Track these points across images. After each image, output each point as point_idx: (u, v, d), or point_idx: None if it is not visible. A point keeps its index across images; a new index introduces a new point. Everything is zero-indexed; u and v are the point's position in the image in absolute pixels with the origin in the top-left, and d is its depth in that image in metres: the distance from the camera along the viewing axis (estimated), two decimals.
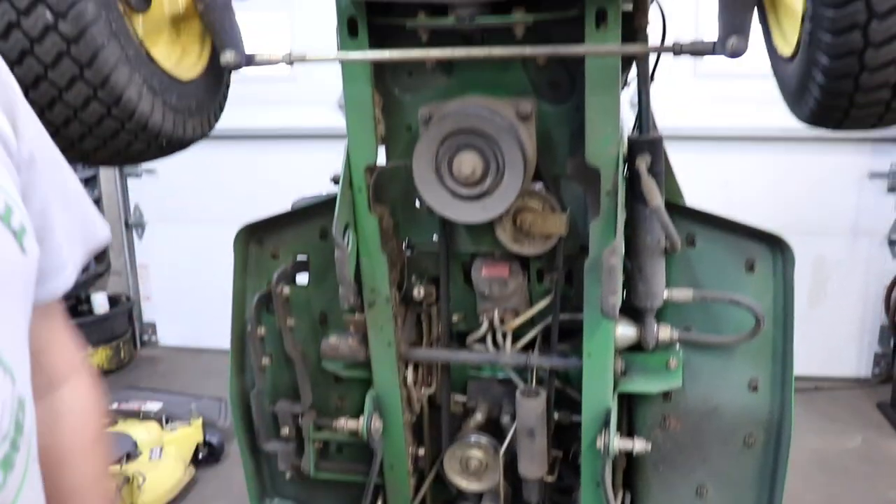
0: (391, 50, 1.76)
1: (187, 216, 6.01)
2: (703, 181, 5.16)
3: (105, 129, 1.46)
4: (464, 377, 2.29)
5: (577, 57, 1.75)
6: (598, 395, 1.98)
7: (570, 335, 2.09)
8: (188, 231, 6.01)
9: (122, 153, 1.54)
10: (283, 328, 2.11)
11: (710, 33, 1.51)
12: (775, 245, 1.99)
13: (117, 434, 4.21)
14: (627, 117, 2.04)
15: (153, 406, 4.56)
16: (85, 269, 5.89)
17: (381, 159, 1.98)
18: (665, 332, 1.98)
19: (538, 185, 1.94)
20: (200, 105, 1.69)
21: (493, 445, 2.19)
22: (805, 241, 5.19)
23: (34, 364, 0.98)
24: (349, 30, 1.79)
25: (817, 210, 5.27)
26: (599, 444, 1.95)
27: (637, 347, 2.02)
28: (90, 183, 5.96)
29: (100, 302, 5.84)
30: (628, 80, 2.11)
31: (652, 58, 2.03)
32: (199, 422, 4.51)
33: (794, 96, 1.49)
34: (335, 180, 1.97)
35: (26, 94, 1.01)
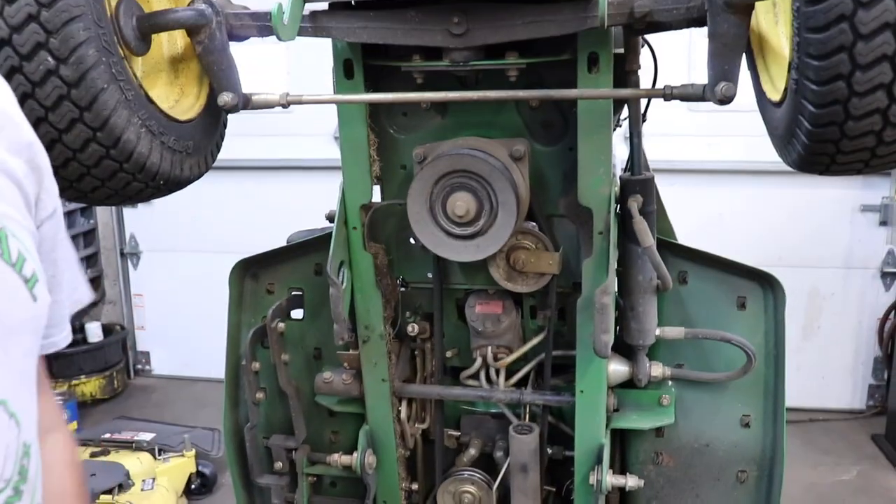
0: (386, 93, 1.79)
1: (182, 246, 6.03)
2: (697, 214, 5.22)
3: (104, 170, 1.48)
4: (457, 412, 2.29)
5: (570, 100, 1.78)
6: (590, 431, 1.99)
7: (563, 371, 2.10)
8: (183, 261, 6.02)
9: (120, 192, 1.56)
10: (278, 363, 2.12)
11: (702, 75, 1.54)
12: (766, 283, 2.02)
13: (109, 464, 4.19)
14: (620, 155, 2.07)
15: (146, 436, 4.53)
16: None
17: (376, 197, 2.00)
18: (657, 369, 1.99)
19: (531, 224, 1.96)
20: (198, 145, 1.71)
21: (487, 480, 2.19)
22: (798, 273, 5.26)
23: None
24: (345, 71, 1.82)
25: (810, 243, 5.31)
26: (592, 480, 1.95)
27: (629, 384, 2.04)
28: (86, 212, 5.97)
29: (94, 331, 5.82)
30: (620, 120, 2.14)
31: (643, 100, 2.07)
32: (192, 452, 4.49)
33: (782, 141, 1.51)
34: (330, 218, 1.99)
35: None
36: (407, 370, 2.19)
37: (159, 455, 4.41)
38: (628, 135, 1.94)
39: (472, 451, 2.24)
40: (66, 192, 1.52)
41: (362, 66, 1.81)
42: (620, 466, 2.16)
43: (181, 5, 1.71)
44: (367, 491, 2.16)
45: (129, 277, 6.28)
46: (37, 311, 0.96)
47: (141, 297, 6.30)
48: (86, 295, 1.19)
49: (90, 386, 5.73)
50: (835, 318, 5.42)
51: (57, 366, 5.51)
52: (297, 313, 2.24)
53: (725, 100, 1.51)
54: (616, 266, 1.94)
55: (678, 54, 4.90)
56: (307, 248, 2.19)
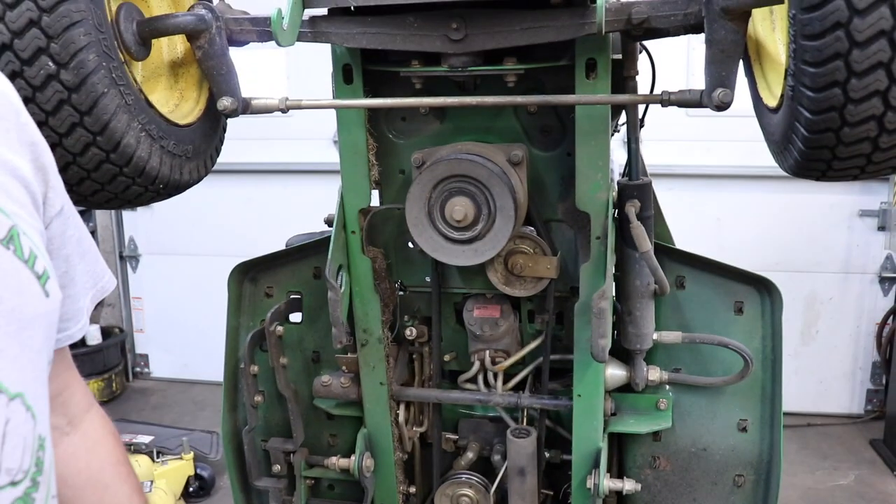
0: (385, 98, 1.80)
1: (181, 249, 6.03)
2: (696, 219, 5.23)
3: (104, 174, 1.48)
4: (455, 416, 2.30)
5: (568, 105, 1.79)
6: (588, 435, 2.00)
7: (560, 375, 2.11)
8: (182, 264, 6.03)
9: (120, 196, 1.56)
10: (276, 366, 2.13)
11: (701, 81, 1.55)
12: (763, 288, 2.02)
13: None
14: (618, 160, 2.08)
15: (144, 439, 4.53)
16: None
17: (375, 201, 2.01)
18: (654, 374, 2.00)
19: (529, 229, 1.96)
20: (197, 149, 1.72)
21: (484, 484, 2.20)
22: (796, 278, 5.27)
23: (57, 404, 1.03)
24: (344, 77, 1.83)
25: (809, 248, 5.31)
26: (589, 483, 1.96)
27: (627, 388, 2.05)
28: (85, 215, 5.97)
29: (93, 334, 5.82)
30: (618, 125, 2.15)
31: (641, 105, 2.08)
32: (190, 455, 4.48)
33: (779, 147, 1.52)
34: (328, 222, 2.00)
35: None
36: (405, 374, 2.20)
37: (157, 458, 4.41)
38: (626, 140, 1.94)
39: (470, 455, 2.25)
40: None
41: (361, 71, 1.82)
42: (618, 470, 2.17)
43: (181, 10, 1.71)
44: (364, 494, 2.17)
45: (128, 280, 6.28)
46: (49, 307, 0.97)
47: (140, 300, 6.30)
48: (110, 283, 1.21)
49: (89, 388, 5.72)
50: (833, 323, 5.43)
51: None
52: (295, 317, 2.24)
53: (722, 106, 1.52)
54: (614, 271, 1.95)
55: (677, 60, 4.93)
56: (306, 252, 2.19)
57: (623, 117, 2.05)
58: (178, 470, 4.41)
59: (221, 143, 1.89)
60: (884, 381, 5.36)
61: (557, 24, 1.59)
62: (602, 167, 1.79)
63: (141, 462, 4.29)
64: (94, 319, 6.10)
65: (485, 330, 2.06)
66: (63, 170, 1.44)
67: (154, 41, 1.66)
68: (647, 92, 1.94)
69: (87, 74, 1.37)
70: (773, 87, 1.57)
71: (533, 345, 2.10)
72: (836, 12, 1.20)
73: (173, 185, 1.64)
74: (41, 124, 1.38)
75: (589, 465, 2.00)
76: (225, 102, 1.67)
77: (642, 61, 2.03)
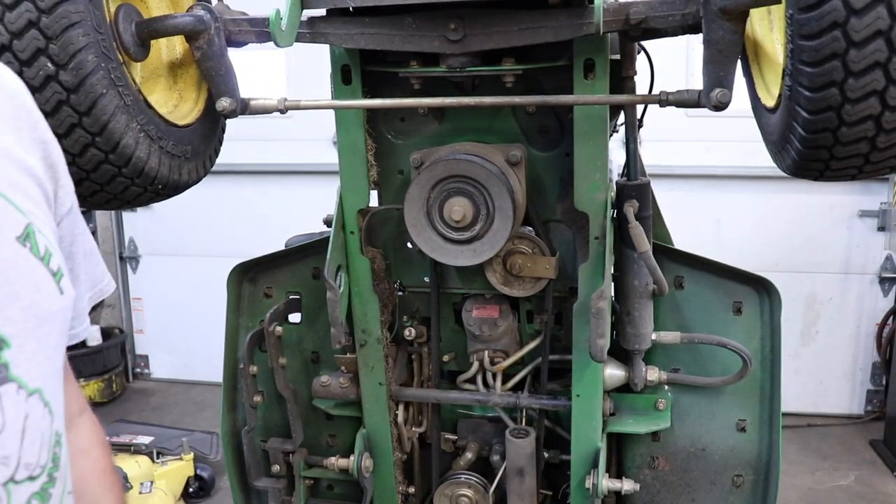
0: (384, 98, 1.80)
1: (181, 250, 6.03)
2: (695, 219, 5.23)
3: (103, 175, 1.49)
4: (454, 416, 2.30)
5: (566, 105, 1.79)
6: (586, 435, 2.00)
7: (559, 375, 2.11)
8: (182, 265, 6.03)
9: (119, 197, 1.57)
10: (275, 367, 2.13)
11: (700, 81, 1.55)
12: (762, 288, 2.02)
13: None
14: (617, 160, 2.08)
15: (144, 440, 4.53)
16: None
17: (374, 202, 2.01)
18: (653, 374, 2.00)
19: (528, 229, 1.97)
20: (196, 150, 1.72)
21: (483, 484, 2.20)
22: (796, 278, 5.27)
23: None
24: (343, 77, 1.83)
25: (808, 248, 5.32)
26: (588, 483, 1.96)
27: (626, 388, 2.05)
28: (85, 216, 5.95)
29: (93, 334, 5.82)
30: (617, 125, 2.15)
31: (640, 106, 2.08)
32: (190, 456, 4.49)
33: (777, 147, 1.52)
34: (327, 222, 2.00)
35: None
36: (404, 374, 2.20)
37: (157, 458, 4.41)
38: (624, 140, 1.94)
39: (469, 455, 2.25)
40: None
41: (360, 71, 1.82)
42: (617, 470, 2.17)
43: (180, 11, 1.72)
44: (363, 494, 2.17)
45: (128, 281, 6.29)
46: (63, 304, 0.98)
47: (140, 300, 6.31)
48: (109, 286, 1.22)
49: (89, 389, 5.73)
50: (833, 324, 5.43)
51: None
52: (294, 317, 2.24)
53: (720, 106, 1.52)
54: (612, 271, 1.95)
55: (676, 61, 4.94)
56: (305, 253, 2.20)
57: (622, 118, 2.05)
58: (178, 470, 4.41)
59: (220, 143, 1.89)
60: (884, 382, 5.36)
61: (555, 24, 1.59)
62: (600, 167, 1.79)
63: (141, 463, 4.30)
64: (94, 320, 6.10)
65: (483, 330, 2.06)
66: None
67: (153, 42, 1.66)
68: (646, 92, 1.94)
69: (86, 75, 1.37)
70: (770, 87, 1.57)
71: (532, 345, 2.10)
72: (834, 12, 1.20)
73: (172, 185, 1.64)
74: None
75: (588, 465, 2.00)
76: (224, 103, 1.67)
77: (641, 62, 2.04)
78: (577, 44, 1.69)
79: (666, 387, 2.08)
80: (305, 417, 2.23)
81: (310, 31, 1.69)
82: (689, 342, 1.99)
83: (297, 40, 1.67)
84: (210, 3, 1.71)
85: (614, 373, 2.00)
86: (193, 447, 4.54)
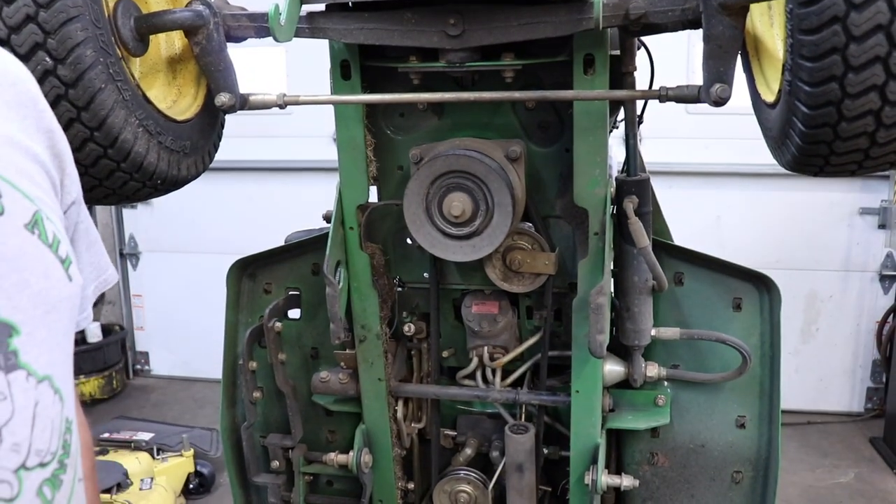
0: (383, 93, 1.80)
1: (181, 247, 6.04)
2: (696, 216, 5.24)
3: (101, 169, 1.48)
4: (454, 412, 2.30)
5: (566, 101, 1.79)
6: (586, 431, 2.00)
7: (559, 372, 2.11)
8: (182, 261, 6.04)
9: (118, 192, 1.56)
10: (275, 362, 2.13)
11: (701, 77, 1.55)
12: (762, 284, 2.02)
13: (108, 463, 4.19)
14: (617, 157, 2.08)
15: (144, 436, 4.55)
16: None
17: (373, 197, 2.01)
18: (653, 370, 2.00)
19: (528, 225, 1.96)
20: (195, 145, 1.72)
21: (483, 480, 2.20)
22: (797, 276, 5.27)
23: None
24: (342, 72, 1.82)
25: (809, 246, 5.32)
26: (587, 479, 1.96)
27: (625, 384, 2.04)
28: None
29: (93, 331, 5.83)
30: (617, 121, 2.15)
31: (640, 101, 2.08)
32: (191, 452, 4.50)
33: (776, 142, 1.52)
34: (327, 218, 2.00)
35: None
36: (404, 370, 2.20)
37: (158, 455, 4.42)
38: (624, 136, 1.94)
39: (469, 451, 2.25)
40: None
41: (359, 67, 1.81)
42: (616, 467, 2.17)
43: (179, 6, 1.71)
44: (363, 490, 2.17)
45: (128, 278, 6.30)
46: (72, 292, 0.99)
47: (140, 297, 6.31)
48: (112, 276, 1.23)
49: (89, 386, 5.74)
50: (833, 321, 5.43)
51: None
52: (294, 313, 2.24)
53: (720, 101, 1.52)
54: (612, 267, 1.95)
55: (677, 57, 4.93)
56: (304, 248, 2.19)
57: (622, 114, 2.05)
58: (179, 467, 4.42)
59: (220, 138, 1.89)
60: (884, 379, 5.37)
61: (555, 19, 1.58)
62: (600, 163, 1.79)
63: (141, 459, 4.31)
64: (94, 317, 6.11)
65: (483, 326, 2.06)
66: None
67: (152, 37, 1.66)
68: (646, 88, 1.94)
69: (85, 70, 1.37)
70: (770, 82, 1.57)
71: (531, 341, 2.10)
72: (833, 6, 1.19)
73: (171, 180, 1.64)
74: None
75: (587, 461, 2.00)
76: (223, 98, 1.67)
77: (642, 58, 2.04)
78: (576, 39, 1.69)
79: (665, 383, 2.08)
80: (305, 413, 2.23)
81: (309, 26, 1.68)
82: (688, 338, 1.99)
83: (296, 35, 1.67)
84: None
85: (614, 369, 2.00)
86: (194, 444, 4.55)
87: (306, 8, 1.68)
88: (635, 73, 1.88)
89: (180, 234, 6.02)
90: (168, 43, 1.75)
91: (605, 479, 1.97)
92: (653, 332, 1.96)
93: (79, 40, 1.35)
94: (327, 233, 1.95)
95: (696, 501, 2.12)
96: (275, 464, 2.23)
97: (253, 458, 2.23)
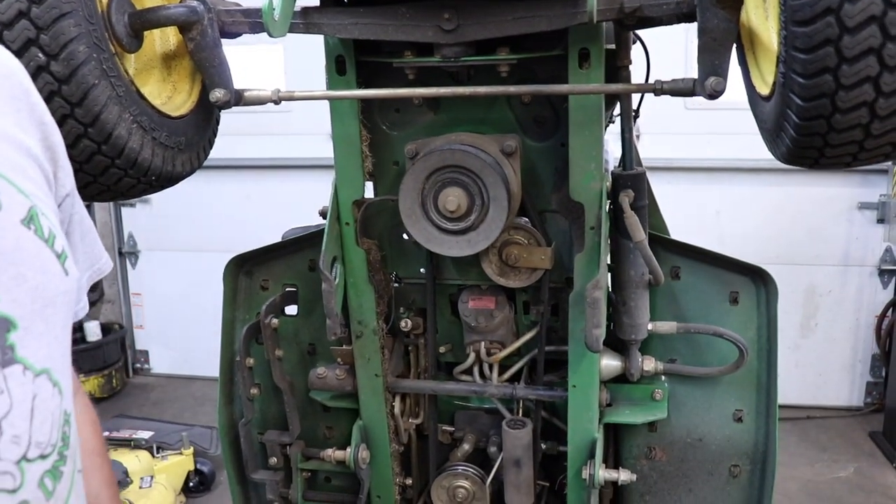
0: (378, 89, 1.79)
1: (181, 245, 6.04)
2: (695, 212, 5.24)
3: (96, 166, 1.48)
4: (452, 408, 2.30)
5: (561, 95, 1.79)
6: (583, 425, 2.00)
7: (556, 366, 2.11)
8: (181, 260, 6.04)
9: (113, 188, 1.56)
10: (272, 359, 2.13)
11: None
12: (759, 278, 2.02)
13: None
14: (614, 151, 2.08)
15: (144, 434, 4.55)
16: None
17: (369, 193, 2.01)
18: (650, 364, 2.00)
19: (524, 220, 1.96)
20: (190, 141, 1.71)
21: (481, 475, 2.20)
22: (796, 271, 5.28)
23: None
24: (337, 68, 1.82)
25: (808, 240, 5.32)
26: (585, 474, 1.96)
27: (622, 379, 2.04)
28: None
29: (92, 330, 5.84)
30: (613, 116, 2.14)
31: (636, 95, 2.08)
32: (191, 451, 4.51)
33: (771, 135, 1.52)
34: (323, 214, 2.00)
35: None
36: (401, 365, 2.20)
37: (158, 453, 4.43)
38: (620, 130, 1.94)
39: (466, 447, 2.25)
40: None
41: (354, 62, 1.81)
42: (614, 461, 2.17)
43: (173, 2, 1.71)
44: (361, 486, 2.17)
45: (127, 276, 6.30)
46: (68, 286, 1.00)
47: (139, 296, 6.32)
48: (107, 265, 1.24)
49: (89, 385, 5.74)
50: (832, 316, 5.44)
51: None
52: (291, 309, 2.24)
53: (715, 94, 1.52)
54: (608, 261, 1.95)
55: (676, 51, 4.92)
56: (301, 245, 2.19)
57: (619, 108, 2.04)
58: (179, 465, 4.43)
59: (215, 135, 1.88)
60: (883, 374, 5.38)
61: (550, 13, 1.58)
62: (595, 157, 1.78)
63: (141, 457, 4.32)
64: (93, 316, 6.12)
65: (480, 321, 2.06)
66: None
67: (146, 33, 1.66)
68: (643, 82, 1.93)
69: (78, 66, 1.36)
70: (765, 75, 1.57)
71: (528, 336, 2.10)
72: None
73: (166, 176, 1.64)
74: None
75: (584, 455, 2.00)
76: (217, 94, 1.67)
77: (640, 53, 2.03)
78: (571, 33, 1.68)
79: (663, 377, 2.07)
80: (303, 410, 2.23)
81: (303, 22, 1.68)
82: (685, 332, 1.99)
83: (291, 31, 1.66)
84: None
85: (610, 363, 2.00)
86: (193, 442, 4.55)
87: (301, 3, 1.67)
88: (632, 68, 1.88)
89: (180, 232, 6.02)
90: (163, 39, 1.74)
91: (603, 473, 1.97)
92: (649, 327, 1.96)
93: (72, 36, 1.35)
94: (324, 229, 1.95)
95: (694, 495, 2.12)
96: (273, 460, 2.23)
97: (251, 455, 2.23)
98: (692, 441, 2.09)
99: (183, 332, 6.12)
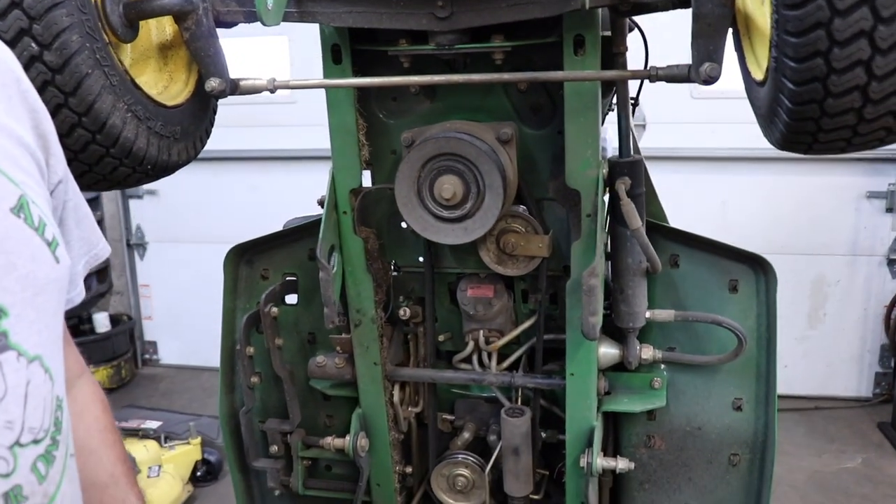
0: (373, 77, 1.80)
1: (188, 236, 6.06)
2: (701, 201, 5.21)
3: (91, 155, 1.49)
4: (452, 396, 2.31)
5: (558, 82, 1.78)
6: (581, 413, 2.00)
7: (558, 356, 2.11)
8: (189, 251, 6.06)
9: (109, 178, 1.57)
10: (272, 348, 2.14)
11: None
12: (758, 266, 2.01)
13: None
14: (613, 139, 2.07)
15: (152, 424, 4.58)
16: (87, 289, 5.94)
17: (367, 182, 2.01)
18: (648, 352, 2.00)
19: (521, 208, 1.96)
20: (186, 130, 1.72)
21: (480, 464, 2.21)
22: (804, 261, 5.25)
23: None
24: (333, 57, 1.83)
25: (816, 230, 5.28)
26: (583, 462, 1.96)
27: (621, 367, 2.04)
28: (92, 203, 6.01)
29: (101, 321, 5.88)
30: (612, 104, 2.14)
31: (635, 83, 2.07)
32: (198, 440, 4.53)
33: (765, 120, 1.51)
34: (321, 203, 2.00)
35: None
36: (400, 354, 2.21)
37: (165, 443, 4.46)
38: (616, 117, 1.93)
39: (466, 435, 2.26)
40: None
41: (350, 51, 1.81)
42: (614, 450, 2.17)
43: None
44: (360, 474, 2.18)
45: (135, 268, 6.33)
46: (60, 273, 1.01)
47: (148, 287, 6.35)
48: (104, 250, 1.25)
49: (98, 375, 5.78)
50: (841, 306, 5.40)
51: None
52: (291, 298, 2.25)
53: (710, 80, 1.51)
54: (606, 249, 1.95)
55: (679, 38, 4.90)
56: (301, 234, 2.20)
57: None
58: (186, 455, 4.46)
59: (212, 124, 1.89)
60: (892, 364, 5.34)
61: (543, 0, 1.58)
62: (592, 144, 1.78)
63: (149, 447, 4.35)
64: (102, 307, 6.16)
65: (478, 310, 2.06)
66: None
67: (143, 24, 1.66)
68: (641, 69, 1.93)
69: (71, 55, 1.37)
70: (760, 60, 1.56)
71: (526, 324, 2.10)
72: None
73: (162, 165, 1.65)
74: None
75: (583, 443, 2.00)
76: (213, 83, 1.68)
77: (639, 41, 2.03)
78: (566, 20, 1.68)
79: (662, 366, 2.07)
80: (303, 398, 2.24)
81: (297, 10, 1.68)
82: (682, 320, 1.98)
83: (285, 19, 1.66)
84: None
85: (608, 351, 2.00)
86: (201, 432, 4.58)
87: None
88: (631, 55, 1.87)
89: (187, 224, 6.05)
90: (159, 29, 1.75)
91: (601, 461, 1.97)
92: (647, 315, 1.96)
93: (64, 26, 1.36)
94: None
95: (694, 484, 2.12)
96: (273, 448, 2.24)
97: (252, 443, 2.24)
98: (691, 429, 2.09)
99: (191, 323, 6.15)
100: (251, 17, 1.68)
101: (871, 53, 1.22)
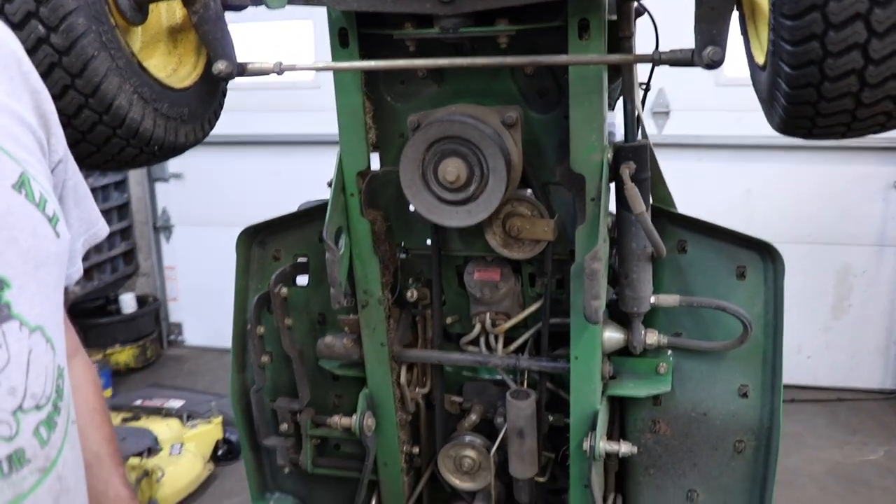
0: (379, 60, 1.81)
1: (213, 219, 6.14)
2: (726, 190, 5.16)
3: (98, 136, 1.52)
4: (461, 379, 2.33)
5: (564, 66, 1.78)
6: (585, 397, 2.00)
7: (564, 339, 2.12)
8: (214, 234, 6.14)
9: (116, 158, 1.60)
10: (281, 327, 2.17)
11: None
12: (766, 253, 2.00)
13: (139, 429, 4.33)
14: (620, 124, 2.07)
15: (175, 403, 4.67)
16: (114, 270, 6.05)
17: (376, 164, 2.03)
18: (652, 337, 2.00)
19: (527, 192, 1.97)
20: (193, 112, 1.75)
21: (486, 445, 2.23)
22: (829, 251, 5.19)
23: None
24: (340, 40, 1.84)
25: (842, 220, 5.21)
26: (586, 446, 1.97)
27: (627, 352, 2.05)
28: (120, 187, 6.11)
29: (128, 302, 5.99)
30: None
31: (645, 68, 2.06)
32: (220, 419, 4.61)
33: (766, 105, 1.51)
34: (331, 184, 2.03)
35: None
36: (408, 335, 2.22)
37: (187, 421, 4.54)
38: (622, 102, 1.93)
39: (474, 417, 2.28)
40: None
41: (356, 34, 1.83)
42: (619, 434, 2.18)
43: None
44: (367, 453, 2.21)
45: (161, 250, 6.43)
46: (60, 247, 1.05)
47: (173, 269, 6.44)
48: (102, 230, 1.29)
49: (124, 355, 5.89)
50: (867, 297, 5.33)
51: (92, 335, 5.69)
52: (302, 279, 2.28)
53: (713, 64, 1.51)
54: (611, 233, 1.95)
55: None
56: (313, 216, 2.23)
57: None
58: (207, 433, 4.54)
59: (221, 106, 1.92)
60: None
61: None
62: (597, 128, 1.78)
63: (171, 425, 4.44)
64: (129, 288, 6.27)
65: (485, 293, 2.08)
66: None
67: (153, 7, 1.70)
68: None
69: (77, 37, 1.40)
70: (763, 44, 1.55)
71: (532, 308, 2.11)
72: None
73: (168, 147, 1.68)
74: None
75: (586, 427, 2.01)
76: (220, 66, 1.70)
77: (648, 26, 2.02)
78: (571, 3, 1.68)
79: (669, 351, 2.07)
80: (313, 378, 2.27)
81: None
82: (687, 305, 1.98)
83: (291, 3, 1.69)
84: None
85: (613, 335, 2.00)
86: (222, 411, 4.66)
87: None
88: (639, 40, 1.86)
89: (212, 207, 6.12)
90: (169, 13, 1.78)
91: (604, 445, 1.98)
92: (652, 300, 1.96)
93: (70, 8, 1.38)
94: None
95: (699, 470, 2.12)
96: (283, 426, 2.28)
97: (262, 422, 2.28)
98: (697, 415, 2.09)
99: (216, 305, 6.22)
100: (258, 0, 1.70)
101: (868, 36, 1.22)
